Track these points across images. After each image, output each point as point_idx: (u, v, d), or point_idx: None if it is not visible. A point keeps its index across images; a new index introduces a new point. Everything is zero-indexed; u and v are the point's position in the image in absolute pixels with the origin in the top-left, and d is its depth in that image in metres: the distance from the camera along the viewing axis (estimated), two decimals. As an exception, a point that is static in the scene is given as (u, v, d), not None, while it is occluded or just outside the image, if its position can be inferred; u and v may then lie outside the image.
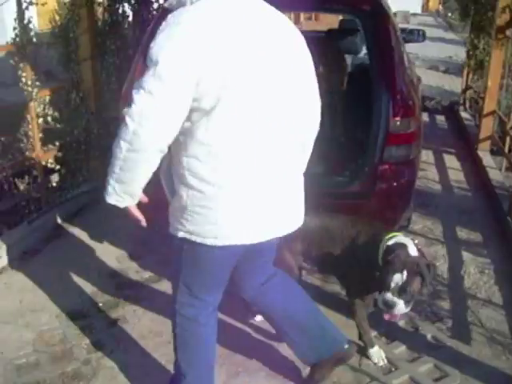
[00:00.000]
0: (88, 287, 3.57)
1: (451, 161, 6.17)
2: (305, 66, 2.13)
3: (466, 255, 4.02)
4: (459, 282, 3.67)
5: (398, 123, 3.23)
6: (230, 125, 1.90)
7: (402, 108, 3.25)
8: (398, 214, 3.42)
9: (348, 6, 3.47)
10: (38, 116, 4.26)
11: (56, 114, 4.50)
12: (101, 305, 3.39)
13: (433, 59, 13.28)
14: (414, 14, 22.94)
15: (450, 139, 7.10)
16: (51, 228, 4.28)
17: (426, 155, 6.24)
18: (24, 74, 4.09)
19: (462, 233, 4.38)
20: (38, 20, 7.92)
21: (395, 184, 3.31)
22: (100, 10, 4.99)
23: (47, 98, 4.46)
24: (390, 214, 3.37)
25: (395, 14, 19.47)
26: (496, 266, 3.87)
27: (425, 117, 8.15)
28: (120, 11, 5.20)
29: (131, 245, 4.05)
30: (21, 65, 4.08)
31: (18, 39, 4.04)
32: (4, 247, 3.89)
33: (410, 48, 11.68)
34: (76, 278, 3.68)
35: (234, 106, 1.88)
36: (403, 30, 6.25)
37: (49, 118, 4.44)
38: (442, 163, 6.07)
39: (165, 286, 3.46)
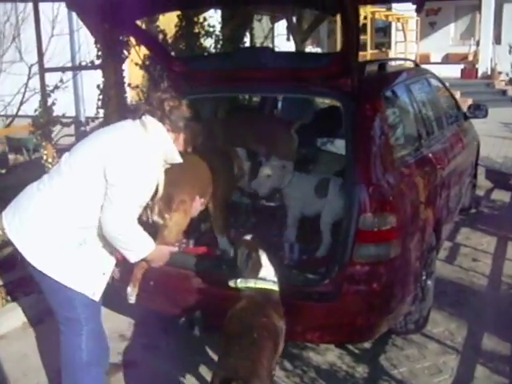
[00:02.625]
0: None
1: (515, 251, 5.48)
2: None
3: (480, 371, 3.45)
4: (457, 405, 3.15)
5: (370, 219, 2.92)
6: None
7: (376, 202, 2.95)
8: (371, 320, 3.04)
9: (327, 88, 3.26)
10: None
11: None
12: None
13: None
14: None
15: (526, 224, 6.34)
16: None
17: (488, 243, 5.61)
18: (45, 152, 4.34)
19: (489, 342, 3.78)
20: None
21: (367, 286, 2.96)
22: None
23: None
24: (361, 320, 3.01)
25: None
26: (513, 389, 3.27)
27: (506, 197, 7.42)
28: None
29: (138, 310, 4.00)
30: (43, 143, 4.34)
31: (41, 119, 4.32)
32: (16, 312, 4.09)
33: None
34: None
35: None
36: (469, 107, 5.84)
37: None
38: (502, 253, 5.39)
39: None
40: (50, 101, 4.43)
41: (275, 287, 2.69)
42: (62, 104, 6.15)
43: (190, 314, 3.29)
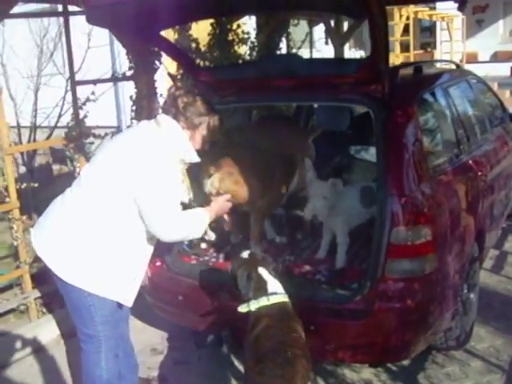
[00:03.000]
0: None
1: None
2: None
3: (528, 392, 3.23)
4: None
5: (403, 233, 2.76)
6: None
7: (409, 214, 2.79)
8: (405, 339, 2.87)
9: (357, 95, 3.12)
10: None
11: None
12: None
13: None
14: None
15: None
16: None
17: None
18: (78, 165, 4.35)
19: (538, 360, 3.55)
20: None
21: (401, 304, 2.80)
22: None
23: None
24: (394, 339, 2.85)
25: None
26: None
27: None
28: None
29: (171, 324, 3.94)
30: (76, 156, 4.36)
31: (73, 133, 4.33)
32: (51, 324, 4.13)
33: None
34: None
35: None
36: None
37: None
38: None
39: None
40: (82, 113, 4.44)
41: (287, 299, 2.57)
42: (103, 115, 6.23)
43: (218, 331, 3.19)
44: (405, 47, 13.49)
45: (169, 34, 5.54)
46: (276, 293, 2.54)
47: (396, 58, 12.27)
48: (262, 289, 2.55)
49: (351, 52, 16.49)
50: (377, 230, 2.80)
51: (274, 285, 2.58)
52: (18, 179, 4.88)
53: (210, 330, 3.31)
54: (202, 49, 5.69)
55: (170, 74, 5.03)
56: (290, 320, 2.46)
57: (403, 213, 2.77)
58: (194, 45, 5.52)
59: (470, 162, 3.70)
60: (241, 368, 3.53)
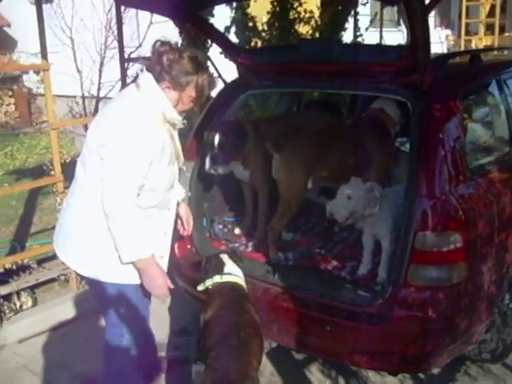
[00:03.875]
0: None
1: None
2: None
3: None
4: None
5: (429, 238, 2.57)
6: None
7: (438, 219, 2.58)
8: (425, 350, 2.68)
9: (395, 85, 2.90)
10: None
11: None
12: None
13: None
14: None
15: None
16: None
17: None
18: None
19: None
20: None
21: (422, 313, 2.61)
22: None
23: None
24: (413, 349, 2.68)
25: None
26: None
27: None
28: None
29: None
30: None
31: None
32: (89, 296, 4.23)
33: None
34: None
35: None
36: None
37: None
38: None
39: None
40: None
41: (243, 282, 2.70)
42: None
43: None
44: (492, 29, 12.57)
45: (226, 11, 5.46)
46: (231, 274, 2.67)
47: (479, 40, 11.50)
48: (218, 269, 2.70)
49: (436, 31, 15.63)
50: (402, 232, 2.63)
51: (230, 267, 2.71)
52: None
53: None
54: (260, 27, 5.54)
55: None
56: (241, 301, 2.57)
57: (431, 216, 2.57)
58: (251, 23, 5.39)
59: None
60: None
